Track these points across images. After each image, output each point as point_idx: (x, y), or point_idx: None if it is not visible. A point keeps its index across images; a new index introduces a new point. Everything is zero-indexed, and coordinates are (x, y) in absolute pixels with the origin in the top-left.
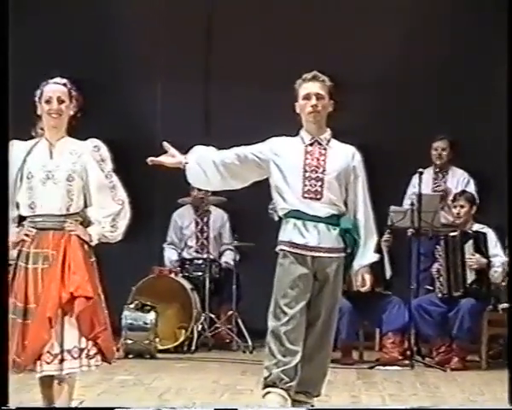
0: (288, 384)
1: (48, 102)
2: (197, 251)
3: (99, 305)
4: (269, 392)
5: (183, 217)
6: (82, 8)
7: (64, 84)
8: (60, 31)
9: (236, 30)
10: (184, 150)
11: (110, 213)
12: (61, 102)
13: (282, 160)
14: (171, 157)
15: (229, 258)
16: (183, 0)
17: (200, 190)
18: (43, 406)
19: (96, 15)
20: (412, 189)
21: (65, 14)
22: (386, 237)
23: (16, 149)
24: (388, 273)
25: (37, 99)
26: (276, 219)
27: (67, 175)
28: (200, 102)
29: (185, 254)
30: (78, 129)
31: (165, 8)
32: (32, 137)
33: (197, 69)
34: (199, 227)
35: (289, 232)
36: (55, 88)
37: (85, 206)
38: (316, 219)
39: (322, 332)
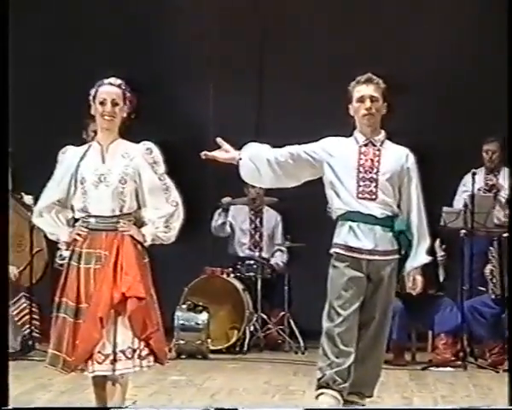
0: (341, 386)
1: (102, 103)
2: (250, 249)
3: (151, 306)
4: (322, 393)
5: (237, 214)
6: (136, 8)
7: (119, 86)
8: (114, 30)
9: (290, 29)
10: (237, 149)
11: (164, 215)
12: (114, 104)
13: (336, 160)
14: (224, 152)
15: (279, 259)
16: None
17: (253, 187)
18: (96, 405)
19: (148, 15)
20: (463, 188)
21: (119, 13)
22: (441, 254)
23: (70, 154)
24: (442, 276)
25: (91, 98)
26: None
27: (120, 178)
28: (252, 102)
29: (238, 252)
30: (131, 130)
31: (218, 6)
32: (83, 141)
33: (250, 68)
34: (252, 225)
35: (344, 235)
36: (109, 89)
37: (138, 207)
38: (371, 219)
39: (376, 334)
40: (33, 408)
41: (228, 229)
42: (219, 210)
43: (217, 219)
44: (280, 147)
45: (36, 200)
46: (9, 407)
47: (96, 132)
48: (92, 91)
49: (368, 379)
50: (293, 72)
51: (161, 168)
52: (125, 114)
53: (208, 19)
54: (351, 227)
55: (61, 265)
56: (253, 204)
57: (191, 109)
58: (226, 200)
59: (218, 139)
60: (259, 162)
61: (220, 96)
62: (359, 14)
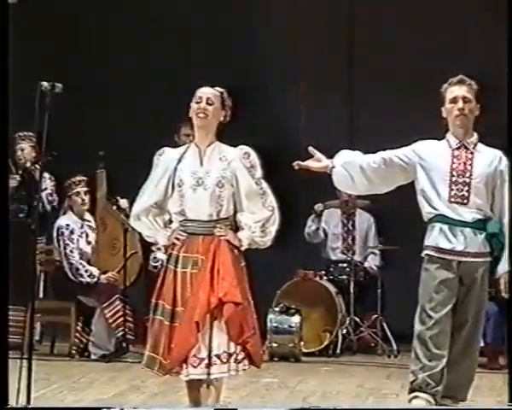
0: (434, 389)
1: (197, 102)
2: (343, 252)
3: (248, 310)
4: (415, 397)
5: (329, 218)
6: (231, 11)
7: (217, 89)
8: (210, 33)
9: (380, 31)
10: (328, 153)
11: (260, 219)
12: (209, 103)
13: (429, 164)
14: (317, 161)
15: (372, 262)
16: (325, 1)
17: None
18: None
19: (240, 17)
20: None
21: (214, 17)
22: None
23: (167, 157)
24: None
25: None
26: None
27: (217, 181)
28: (345, 105)
29: (331, 255)
30: (227, 135)
31: (308, 9)
32: (175, 144)
33: (341, 71)
34: (345, 228)
35: (435, 237)
36: (207, 90)
37: (235, 211)
38: (462, 224)
39: (469, 337)
40: (33, 408)
41: (321, 235)
42: (312, 216)
43: (310, 226)
44: (372, 150)
45: (131, 203)
46: (9, 407)
47: (187, 136)
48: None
49: (461, 383)
50: (384, 73)
51: (258, 173)
52: (221, 118)
53: (300, 20)
54: (441, 229)
55: (155, 267)
56: (345, 207)
57: (284, 113)
58: (319, 206)
59: (310, 148)
60: (352, 170)
61: (312, 100)
62: (453, 17)
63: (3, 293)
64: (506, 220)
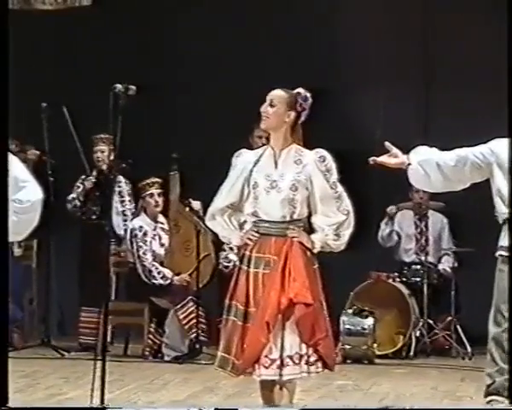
0: None
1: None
2: (416, 253)
3: (320, 312)
4: (492, 400)
5: (402, 220)
6: (313, 10)
7: (287, 91)
8: (292, 36)
9: (454, 31)
10: (403, 153)
11: (335, 222)
12: (272, 105)
13: (505, 162)
14: (393, 157)
15: (446, 264)
16: (400, 2)
17: (417, 191)
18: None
19: (321, 17)
20: None
21: (296, 18)
22: None
23: (244, 158)
24: None
25: None
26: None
27: (291, 185)
28: (420, 103)
29: (404, 257)
30: (305, 138)
31: (387, 10)
32: (249, 145)
33: (416, 71)
34: (418, 229)
35: (509, 237)
36: (273, 92)
37: (309, 213)
38: None
39: None
40: (33, 408)
41: (395, 237)
42: (385, 219)
43: (384, 229)
44: (448, 149)
45: (205, 205)
46: (9, 407)
47: (260, 137)
48: None
49: None
50: (458, 73)
51: (334, 176)
52: (286, 119)
53: (380, 20)
54: None
55: (227, 267)
56: (418, 209)
57: (360, 114)
58: (391, 208)
59: (387, 144)
60: (429, 167)
61: (387, 98)
62: None
63: (3, 293)
64: None
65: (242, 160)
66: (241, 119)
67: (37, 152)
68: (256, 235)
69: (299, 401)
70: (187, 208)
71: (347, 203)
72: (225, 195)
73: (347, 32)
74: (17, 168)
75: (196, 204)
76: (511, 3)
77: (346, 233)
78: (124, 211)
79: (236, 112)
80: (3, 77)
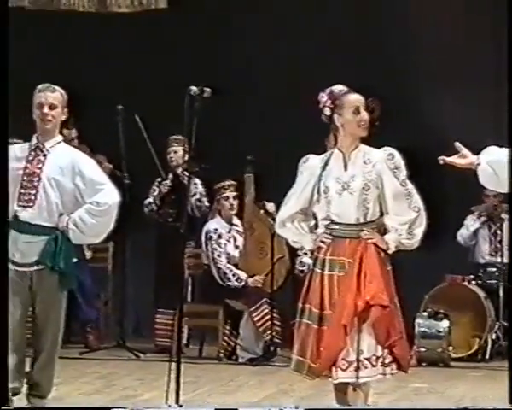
0: None
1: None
2: (491, 254)
3: (395, 313)
4: None
5: (472, 220)
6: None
7: (359, 92)
8: (358, 37)
9: None
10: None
11: (406, 221)
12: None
13: None
14: (462, 158)
15: None
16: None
17: (494, 196)
18: None
19: (383, 20)
20: None
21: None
22: None
23: (311, 164)
24: None
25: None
26: None
27: (363, 185)
28: (490, 102)
29: (479, 259)
30: (374, 137)
31: (454, 11)
32: (325, 148)
33: (486, 72)
34: (492, 230)
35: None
36: (360, 98)
37: (381, 214)
38: None
39: None
40: (32, 408)
41: (477, 237)
42: (472, 217)
43: (470, 225)
44: None
45: (277, 208)
46: (9, 407)
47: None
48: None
49: None
50: None
51: (403, 174)
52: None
53: (444, 20)
54: None
55: (302, 271)
56: (492, 210)
57: (429, 112)
58: (478, 207)
59: (457, 144)
60: (498, 167)
61: (457, 99)
62: None
63: (3, 293)
64: None
65: (309, 165)
66: (315, 120)
67: (110, 166)
68: (329, 238)
69: (374, 403)
70: (262, 211)
71: (418, 200)
72: (294, 201)
73: (416, 33)
74: (93, 171)
75: (271, 206)
76: (511, 3)
77: (419, 231)
78: (195, 212)
79: (312, 113)
80: (3, 77)
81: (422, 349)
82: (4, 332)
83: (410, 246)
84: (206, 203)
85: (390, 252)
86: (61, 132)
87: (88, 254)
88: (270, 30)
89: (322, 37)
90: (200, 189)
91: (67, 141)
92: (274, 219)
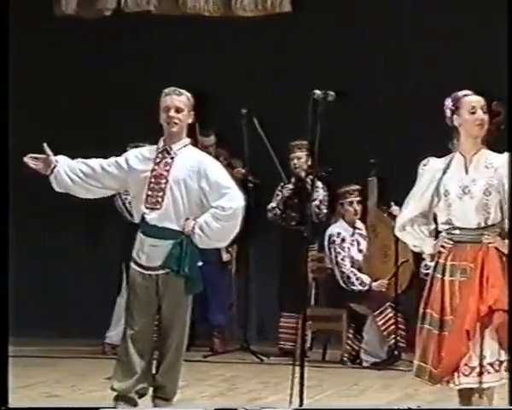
0: None
1: (472, 112)
2: None
3: None
4: None
5: None
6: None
7: (481, 94)
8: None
9: None
10: None
11: None
12: (484, 112)
13: None
14: None
15: None
16: None
17: None
18: None
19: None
20: None
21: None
22: None
23: (432, 166)
24: None
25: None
26: None
27: (484, 189)
28: None
29: None
30: (495, 141)
31: None
32: (449, 151)
33: None
34: None
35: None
36: (480, 98)
37: (502, 218)
38: None
39: None
40: (33, 408)
41: None
42: None
43: None
44: None
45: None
46: (9, 407)
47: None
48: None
49: None
50: None
51: None
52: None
53: None
54: None
55: (427, 275)
56: None
57: None
58: None
59: None
60: None
61: None
62: None
63: (3, 294)
64: None
65: (430, 167)
66: (439, 122)
67: (243, 170)
68: (449, 243)
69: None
70: (385, 214)
71: None
72: (415, 204)
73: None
74: (219, 174)
75: (395, 209)
76: (511, 3)
77: None
78: (318, 216)
79: (435, 115)
80: (3, 76)
81: None
82: (4, 332)
83: None
84: (325, 210)
85: None
86: (194, 137)
87: (225, 256)
88: (395, 31)
89: (445, 37)
90: (322, 195)
91: (206, 147)
92: None
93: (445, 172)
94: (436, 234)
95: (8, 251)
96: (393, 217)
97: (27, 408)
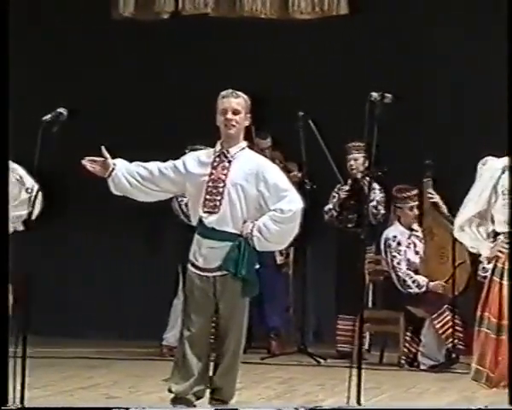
0: None
1: None
2: None
3: None
4: None
5: None
6: None
7: None
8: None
9: None
10: None
11: None
12: None
13: None
14: None
15: None
16: None
17: None
18: None
19: None
20: None
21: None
22: None
23: (491, 166)
24: None
25: None
26: None
27: None
28: None
29: None
30: None
31: None
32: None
33: None
34: None
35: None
36: None
37: None
38: None
39: None
40: (34, 408)
41: None
42: None
43: None
44: None
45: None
46: (9, 407)
47: None
48: None
49: None
50: None
51: None
52: None
53: None
54: None
55: (484, 277)
56: None
57: None
58: None
59: None
60: None
61: None
62: None
63: (4, 294)
64: None
65: (489, 167)
66: (494, 121)
67: (299, 174)
68: (506, 247)
69: None
70: (442, 215)
71: None
72: (473, 204)
73: None
74: (277, 177)
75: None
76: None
77: None
78: (376, 217)
79: (488, 115)
80: (4, 76)
81: None
82: (5, 332)
83: None
84: (383, 211)
85: None
86: (251, 140)
87: (279, 259)
88: (451, 31)
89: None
90: (379, 196)
91: (263, 150)
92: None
93: (503, 172)
94: (494, 236)
95: (8, 251)
96: (446, 217)
97: (27, 408)
